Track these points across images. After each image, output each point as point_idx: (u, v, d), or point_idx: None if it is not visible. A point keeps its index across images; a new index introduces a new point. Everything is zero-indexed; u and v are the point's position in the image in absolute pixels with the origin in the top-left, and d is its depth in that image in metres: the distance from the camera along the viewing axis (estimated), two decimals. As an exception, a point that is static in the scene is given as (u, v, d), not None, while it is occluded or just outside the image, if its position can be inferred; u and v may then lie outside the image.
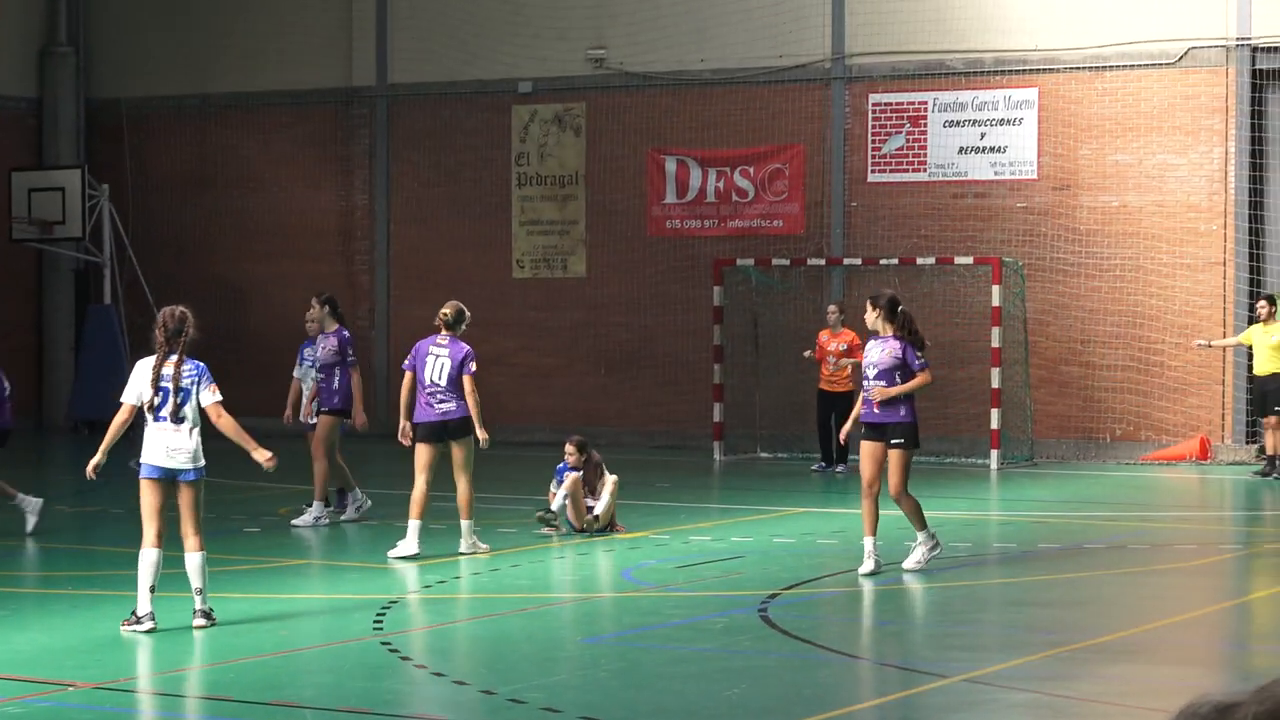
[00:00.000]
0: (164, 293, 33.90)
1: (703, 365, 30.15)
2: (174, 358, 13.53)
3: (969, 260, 28.55)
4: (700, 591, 15.97)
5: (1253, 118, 27.82)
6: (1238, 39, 27.72)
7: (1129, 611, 15.15)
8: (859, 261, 29.38)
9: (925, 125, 29.48)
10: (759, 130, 30.56)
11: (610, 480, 19.17)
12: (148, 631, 13.46)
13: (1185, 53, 28.04)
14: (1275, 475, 25.31)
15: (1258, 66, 27.77)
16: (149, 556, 13.54)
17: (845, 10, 29.86)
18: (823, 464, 27.36)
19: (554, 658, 13.10)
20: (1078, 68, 28.68)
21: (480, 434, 17.42)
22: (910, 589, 16.14)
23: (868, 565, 16.29)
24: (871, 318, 16.79)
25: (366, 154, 33.32)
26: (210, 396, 13.59)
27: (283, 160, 34.07)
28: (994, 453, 27.64)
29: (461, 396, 17.47)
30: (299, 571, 17.33)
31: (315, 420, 20.09)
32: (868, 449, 16.61)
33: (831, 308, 27.17)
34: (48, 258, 34.61)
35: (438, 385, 17.43)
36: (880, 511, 16.45)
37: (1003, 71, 29.10)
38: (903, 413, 16.51)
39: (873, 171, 29.83)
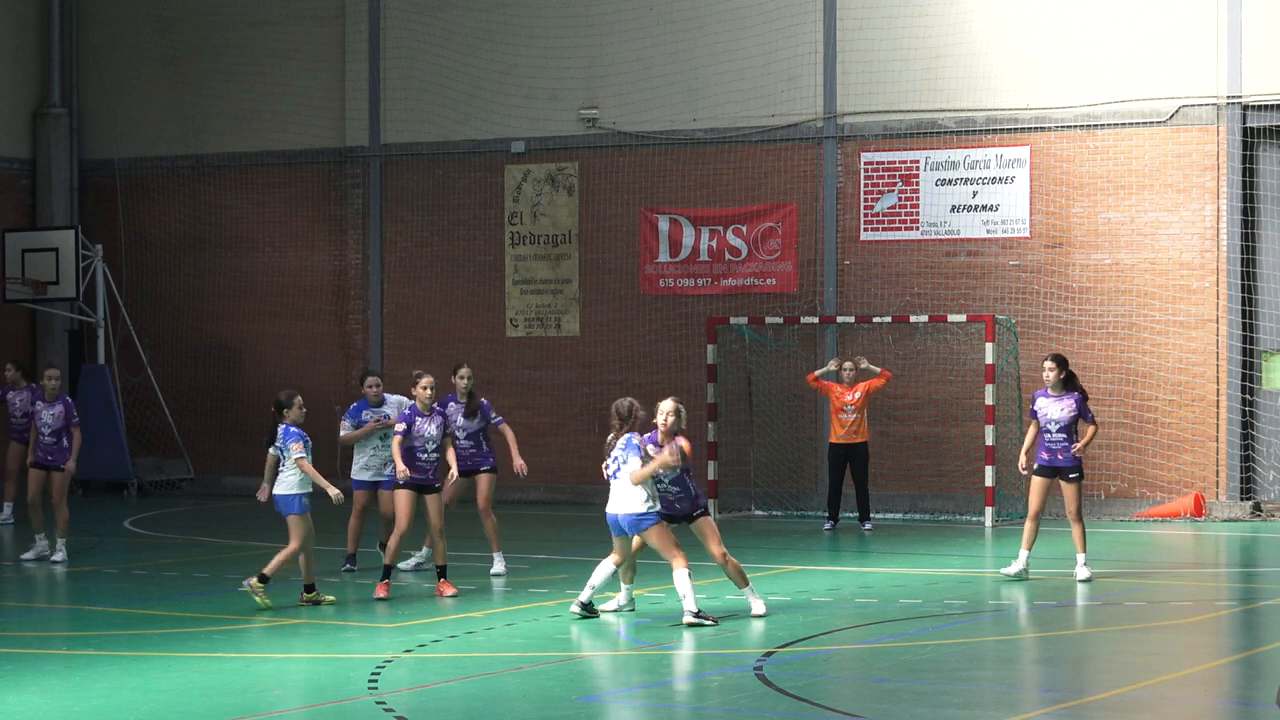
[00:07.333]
0: (158, 353, 34.00)
1: (697, 423, 30.14)
2: (628, 435, 17.56)
3: (962, 318, 28.60)
4: (696, 650, 15.94)
5: (1244, 175, 27.91)
6: (1228, 97, 27.82)
7: (1126, 668, 15.13)
8: (852, 319, 29.41)
9: (917, 184, 29.55)
10: (751, 189, 30.63)
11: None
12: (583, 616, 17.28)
13: (1176, 111, 28.15)
14: None
15: (1248, 124, 27.86)
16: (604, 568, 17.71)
17: (837, 69, 29.96)
18: (832, 523, 26.87)
19: (548, 717, 13.05)
20: (1069, 126, 28.77)
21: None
22: (902, 647, 16.12)
23: (1016, 567, 20.40)
24: (1057, 378, 20.31)
25: (360, 214, 33.36)
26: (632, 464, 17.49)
27: (276, 220, 34.11)
28: (988, 510, 27.66)
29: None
30: (294, 630, 17.28)
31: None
32: (1039, 484, 20.36)
33: (849, 365, 26.72)
34: (42, 318, 34.62)
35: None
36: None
37: (994, 130, 29.19)
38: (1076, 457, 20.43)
39: (865, 230, 29.88)
